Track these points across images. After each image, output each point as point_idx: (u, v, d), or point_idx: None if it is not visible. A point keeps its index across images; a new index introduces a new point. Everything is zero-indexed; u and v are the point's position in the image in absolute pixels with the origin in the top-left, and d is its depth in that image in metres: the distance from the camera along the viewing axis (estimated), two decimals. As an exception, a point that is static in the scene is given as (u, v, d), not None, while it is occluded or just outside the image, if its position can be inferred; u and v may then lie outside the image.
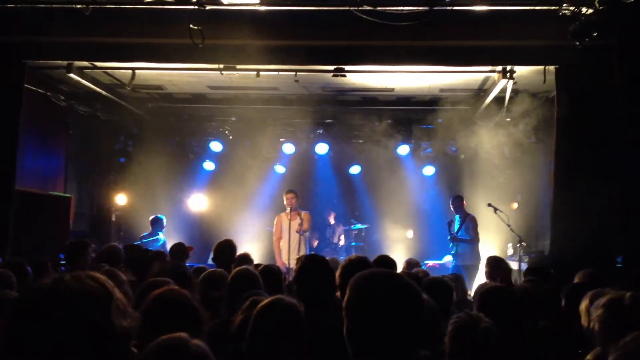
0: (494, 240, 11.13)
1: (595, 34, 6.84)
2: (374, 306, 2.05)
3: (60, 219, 10.37)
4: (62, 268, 7.52)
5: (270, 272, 5.00)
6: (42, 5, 7.42)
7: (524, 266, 8.97)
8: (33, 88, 9.70)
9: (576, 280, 5.41)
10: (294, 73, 9.17)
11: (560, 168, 8.12)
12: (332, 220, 13.32)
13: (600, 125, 7.85)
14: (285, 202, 10.14)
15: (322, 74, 9.42)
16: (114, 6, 7.37)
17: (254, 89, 10.79)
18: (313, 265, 3.97)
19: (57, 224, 10.19)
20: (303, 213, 10.20)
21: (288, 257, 9.86)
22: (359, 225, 13.12)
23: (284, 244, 10.23)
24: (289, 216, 10.08)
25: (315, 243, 12.61)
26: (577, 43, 6.96)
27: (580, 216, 7.75)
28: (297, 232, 9.93)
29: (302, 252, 9.66)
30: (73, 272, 5.11)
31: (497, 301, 3.57)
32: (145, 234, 11.45)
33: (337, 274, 4.07)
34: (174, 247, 7.86)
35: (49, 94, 10.66)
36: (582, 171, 7.86)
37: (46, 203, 10.25)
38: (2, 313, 3.60)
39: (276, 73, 9.28)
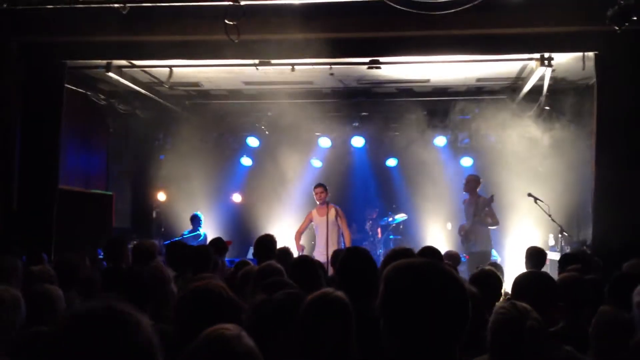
0: (534, 230, 10.98)
1: (635, 18, 6.69)
2: (412, 301, 1.82)
3: (103, 217, 10.55)
4: (104, 263, 7.66)
5: (307, 264, 4.98)
6: (81, 6, 7.54)
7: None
8: (73, 88, 9.88)
9: (623, 270, 5.32)
10: (329, 66, 9.18)
11: (601, 156, 7.96)
12: (374, 216, 13.32)
13: (641, 111, 7.69)
14: (315, 197, 10.11)
15: (357, 66, 9.40)
16: (150, 5, 7.46)
17: (289, 84, 10.82)
18: (355, 257, 3.96)
19: (100, 222, 10.37)
20: (337, 209, 10.11)
21: (327, 250, 9.79)
22: (397, 218, 13.08)
23: (320, 238, 10.15)
24: (320, 211, 10.02)
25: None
26: (617, 28, 6.81)
27: (623, 204, 7.61)
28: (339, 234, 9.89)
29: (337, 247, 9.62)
30: (114, 269, 5.19)
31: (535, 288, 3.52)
32: (186, 231, 11.67)
33: (382, 264, 4.05)
34: (212, 241, 7.95)
35: (89, 93, 10.85)
36: (623, 158, 7.71)
37: (89, 201, 10.44)
38: (40, 308, 3.71)
39: (311, 67, 9.30)
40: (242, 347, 1.92)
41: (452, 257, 7.33)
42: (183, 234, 11.82)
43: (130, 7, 7.21)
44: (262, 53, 8.48)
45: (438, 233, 12.76)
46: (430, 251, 5.41)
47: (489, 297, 4.08)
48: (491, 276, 4.49)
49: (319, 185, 10.11)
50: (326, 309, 2.75)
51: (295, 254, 9.49)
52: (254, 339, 2.09)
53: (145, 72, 10.18)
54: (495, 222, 9.96)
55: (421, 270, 1.90)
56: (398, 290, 1.87)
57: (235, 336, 1.94)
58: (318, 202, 10.00)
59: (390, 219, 13.03)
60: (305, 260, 5.18)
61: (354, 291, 3.55)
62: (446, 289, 1.85)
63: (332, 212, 9.89)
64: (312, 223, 10.16)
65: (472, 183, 10.22)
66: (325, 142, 13.45)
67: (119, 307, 1.52)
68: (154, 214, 12.98)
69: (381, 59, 8.87)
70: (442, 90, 11.57)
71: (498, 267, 6.54)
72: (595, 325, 3.36)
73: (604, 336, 3.20)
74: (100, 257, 7.87)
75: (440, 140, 13.01)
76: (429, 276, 1.87)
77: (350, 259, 3.94)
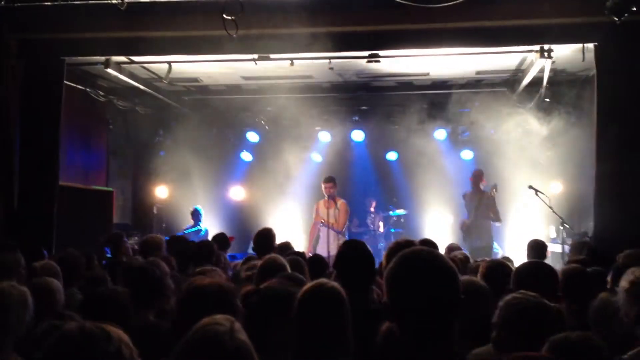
0: (535, 222, 10.97)
1: (634, 9, 6.67)
2: (410, 282, 1.99)
3: (103, 213, 10.55)
4: (104, 261, 7.69)
5: (299, 264, 4.99)
6: (79, 2, 7.53)
7: (567, 249, 8.85)
8: (72, 84, 9.87)
9: (620, 260, 5.32)
10: (328, 60, 9.15)
11: (602, 147, 7.93)
12: (372, 208, 13.34)
13: (642, 102, 7.67)
14: (323, 191, 10.11)
15: (356, 60, 9.37)
16: (148, 0, 7.44)
17: (288, 78, 10.79)
18: (353, 250, 3.96)
19: (100, 218, 10.37)
20: (340, 203, 10.08)
21: (327, 245, 9.79)
22: (397, 212, 13.08)
23: (322, 232, 10.15)
24: (326, 204, 10.04)
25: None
26: (616, 19, 6.79)
27: (624, 195, 7.60)
28: (332, 228, 9.86)
29: (338, 242, 9.62)
30: (114, 263, 5.29)
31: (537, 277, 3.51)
32: (187, 226, 11.68)
33: (384, 256, 4.06)
34: (215, 237, 7.96)
35: (88, 89, 10.83)
36: (625, 150, 7.69)
37: (89, 197, 10.43)
38: (46, 299, 3.75)
39: (310, 61, 9.27)
40: (233, 342, 1.89)
41: (455, 249, 7.33)
42: (184, 230, 11.84)
43: (128, 2, 7.18)
44: (261, 48, 8.44)
45: (439, 226, 12.77)
46: (428, 243, 5.42)
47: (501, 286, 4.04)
48: (505, 266, 4.48)
49: (328, 179, 10.07)
50: (320, 298, 2.77)
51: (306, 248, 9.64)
52: (249, 328, 2.09)
53: (144, 68, 10.15)
54: (498, 219, 10.03)
55: (416, 254, 2.08)
56: (394, 274, 2.03)
57: (227, 330, 1.91)
58: (326, 196, 10.00)
59: (391, 212, 13.07)
60: (296, 260, 5.20)
61: (350, 283, 3.56)
62: (434, 271, 2.00)
63: (340, 209, 9.90)
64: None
65: (479, 177, 10.33)
66: (325, 137, 13.45)
67: (88, 327, 1.80)
68: (155, 210, 12.99)
69: (380, 53, 8.84)
70: (442, 84, 11.54)
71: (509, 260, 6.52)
72: (594, 311, 3.37)
73: (602, 322, 3.21)
74: (109, 255, 7.89)
75: (441, 134, 13.00)
76: (422, 260, 2.04)
77: (347, 252, 3.95)
